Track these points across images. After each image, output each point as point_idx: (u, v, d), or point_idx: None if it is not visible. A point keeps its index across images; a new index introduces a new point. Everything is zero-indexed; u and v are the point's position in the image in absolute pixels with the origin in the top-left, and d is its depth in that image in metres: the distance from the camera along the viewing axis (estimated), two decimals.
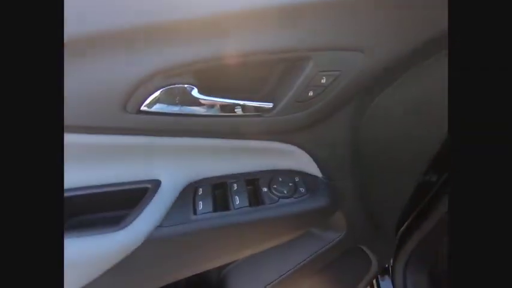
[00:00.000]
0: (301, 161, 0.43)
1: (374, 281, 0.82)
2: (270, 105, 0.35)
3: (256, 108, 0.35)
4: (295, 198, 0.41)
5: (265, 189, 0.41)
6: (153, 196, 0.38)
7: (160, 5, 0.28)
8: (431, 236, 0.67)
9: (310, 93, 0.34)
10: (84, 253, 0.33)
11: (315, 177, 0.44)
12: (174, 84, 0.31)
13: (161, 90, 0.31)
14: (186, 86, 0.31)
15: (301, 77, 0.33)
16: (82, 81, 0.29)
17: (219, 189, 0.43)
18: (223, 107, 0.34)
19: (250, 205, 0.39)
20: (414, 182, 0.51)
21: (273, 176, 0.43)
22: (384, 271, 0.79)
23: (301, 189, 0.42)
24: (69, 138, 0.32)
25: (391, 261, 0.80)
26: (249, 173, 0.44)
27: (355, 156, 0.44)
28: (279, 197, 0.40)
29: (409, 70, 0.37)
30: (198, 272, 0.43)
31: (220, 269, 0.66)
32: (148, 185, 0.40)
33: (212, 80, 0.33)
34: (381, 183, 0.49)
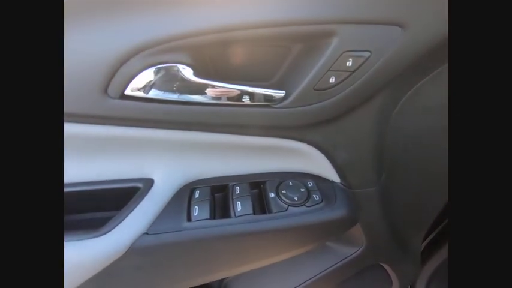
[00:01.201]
0: (316, 162, 0.36)
1: None
2: (281, 93, 0.29)
3: (265, 97, 0.29)
4: (307, 206, 0.34)
5: (272, 195, 0.35)
6: (143, 198, 0.33)
7: None
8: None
9: (332, 80, 0.27)
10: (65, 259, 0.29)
11: (332, 182, 0.37)
12: (164, 62, 0.25)
13: (148, 70, 0.25)
14: (178, 65, 0.26)
15: (322, 59, 0.26)
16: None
17: (219, 193, 0.37)
18: (225, 94, 0.28)
19: (255, 213, 0.33)
20: (446, 193, 0.43)
21: (282, 179, 0.37)
22: None
23: (314, 196, 0.35)
24: None
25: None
26: (254, 175, 0.38)
27: (381, 160, 0.37)
28: (289, 205, 0.34)
29: None
30: (192, 285, 0.38)
31: (221, 280, 0.60)
32: (140, 185, 0.35)
33: (211, 59, 0.27)
34: (408, 193, 0.42)
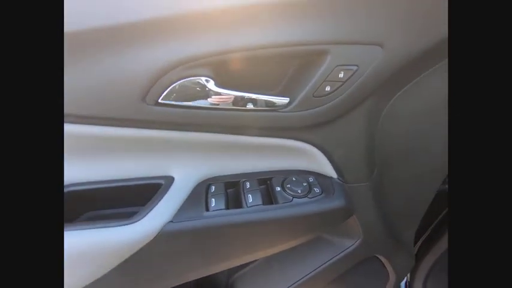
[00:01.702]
0: (316, 160, 0.41)
1: None
2: (286, 100, 0.35)
3: (273, 103, 0.35)
4: (309, 198, 0.39)
5: (278, 189, 0.40)
6: (166, 192, 0.38)
7: None
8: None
9: (328, 88, 0.34)
10: (97, 245, 0.33)
11: (331, 178, 0.43)
12: (192, 76, 0.31)
13: (179, 82, 0.31)
14: (203, 78, 0.32)
15: (319, 71, 0.33)
16: (104, 72, 0.30)
17: (231, 188, 0.42)
18: (240, 101, 0.34)
19: (264, 203, 0.38)
20: (434, 188, 0.48)
21: (286, 175, 0.42)
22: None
23: (315, 189, 0.40)
24: (86, 129, 0.33)
25: (409, 275, 0.75)
26: (262, 172, 0.43)
27: (372, 158, 0.42)
28: (293, 197, 0.39)
29: (429, 68, 0.36)
30: (209, 273, 0.42)
31: (229, 276, 0.64)
32: (162, 181, 0.40)
33: (229, 73, 0.33)
34: (398, 187, 0.47)
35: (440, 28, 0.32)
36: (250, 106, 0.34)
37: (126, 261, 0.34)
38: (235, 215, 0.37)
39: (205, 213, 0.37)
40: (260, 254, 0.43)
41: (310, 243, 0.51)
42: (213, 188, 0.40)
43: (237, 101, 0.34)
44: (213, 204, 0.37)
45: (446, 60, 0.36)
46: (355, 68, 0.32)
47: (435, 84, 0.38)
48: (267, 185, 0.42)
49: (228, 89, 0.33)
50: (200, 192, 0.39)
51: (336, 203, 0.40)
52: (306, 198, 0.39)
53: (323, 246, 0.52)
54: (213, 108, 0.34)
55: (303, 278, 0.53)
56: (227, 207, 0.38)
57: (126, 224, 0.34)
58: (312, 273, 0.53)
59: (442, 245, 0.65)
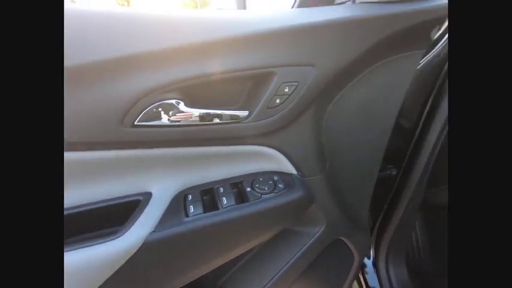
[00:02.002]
0: (278, 161, 0.49)
1: (361, 278, 0.86)
2: (245, 112, 0.42)
3: (235, 116, 0.42)
4: (275, 193, 0.46)
5: (248, 189, 0.46)
6: (146, 207, 0.41)
7: (153, 36, 0.35)
8: (402, 225, 0.75)
9: (278, 101, 0.42)
10: (86, 263, 0.35)
11: (291, 174, 0.50)
12: (164, 100, 0.37)
13: (152, 105, 0.37)
14: (173, 100, 0.38)
15: (270, 87, 0.41)
16: (86, 102, 0.34)
17: (207, 195, 0.47)
18: (207, 117, 0.40)
19: (237, 203, 0.44)
20: (374, 174, 0.59)
21: (254, 177, 0.49)
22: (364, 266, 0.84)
23: (280, 185, 0.47)
24: (68, 155, 0.36)
25: (373, 254, 0.85)
26: (233, 178, 0.49)
27: (323, 153, 0.51)
28: (261, 194, 0.46)
29: (356, 76, 0.47)
30: (197, 275, 0.45)
31: (215, 282, 0.66)
32: (140, 198, 0.43)
33: (197, 94, 0.39)
34: (346, 175, 0.56)
35: (353, 50, 0.42)
36: (216, 120, 0.41)
37: (117, 272, 0.37)
38: (213, 217, 0.42)
39: (186, 219, 0.41)
40: (240, 250, 0.48)
41: (281, 237, 0.57)
42: (190, 197, 0.44)
43: (204, 117, 0.40)
44: (192, 210, 0.42)
45: (367, 69, 0.47)
46: (296, 83, 0.41)
47: (363, 89, 0.48)
48: (238, 187, 0.48)
49: (197, 108, 0.39)
50: (178, 202, 0.44)
51: (296, 194, 0.47)
52: (272, 193, 0.46)
53: (292, 238, 0.59)
54: (183, 125, 0.39)
55: (279, 272, 0.59)
56: (205, 211, 0.42)
57: (111, 240, 0.37)
58: (288, 265, 0.59)
59: (394, 224, 0.76)
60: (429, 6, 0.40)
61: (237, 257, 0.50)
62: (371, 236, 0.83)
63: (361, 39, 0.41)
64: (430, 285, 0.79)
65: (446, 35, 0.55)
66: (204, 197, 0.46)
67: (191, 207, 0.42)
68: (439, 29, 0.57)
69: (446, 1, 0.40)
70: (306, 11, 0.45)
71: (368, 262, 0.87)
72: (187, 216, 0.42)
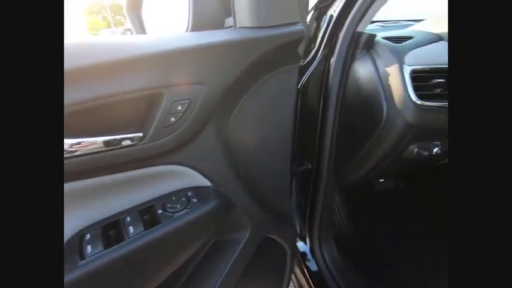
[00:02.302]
0: (189, 177, 0.49)
1: (303, 266, 0.93)
2: (140, 134, 0.41)
3: (130, 139, 0.40)
4: (188, 209, 0.46)
5: (160, 211, 0.45)
6: None
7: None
8: (325, 208, 0.84)
9: (172, 119, 0.42)
10: None
11: (206, 187, 0.51)
12: None
13: None
14: None
15: (161, 108, 0.41)
16: None
17: (112, 229, 0.44)
18: (100, 144, 0.38)
19: (147, 229, 0.42)
20: (286, 169, 0.64)
21: (167, 198, 0.48)
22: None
23: (193, 200, 0.48)
24: None
25: (309, 241, 0.93)
26: (144, 203, 0.47)
27: (234, 160, 0.54)
28: (174, 213, 0.45)
29: (247, 89, 0.51)
30: None
31: None
32: None
33: (86, 120, 0.37)
34: (262, 176, 0.61)
35: (236, 67, 0.46)
36: (111, 146, 0.39)
37: None
38: (117, 250, 0.39)
39: (81, 263, 0.37)
40: (166, 272, 0.46)
41: (214, 249, 0.58)
42: (87, 236, 0.41)
43: (98, 144, 0.37)
44: (89, 250, 0.38)
45: (258, 82, 0.51)
46: (188, 101, 0.43)
47: (257, 99, 0.53)
48: (150, 212, 0.46)
49: (87, 136, 0.36)
50: (72, 245, 0.39)
51: (210, 205, 0.48)
52: (185, 210, 0.46)
53: (224, 247, 0.60)
54: (76, 156, 0.36)
55: (218, 282, 0.59)
56: (106, 247, 0.39)
57: None
58: (224, 274, 0.59)
59: (319, 209, 0.85)
60: (292, 30, 0.48)
61: (176, 277, 0.48)
62: (305, 225, 0.91)
63: (242, 58, 0.46)
64: (358, 258, 0.92)
65: (321, 49, 0.65)
66: (109, 232, 0.43)
67: (89, 247, 0.39)
68: (310, 46, 0.68)
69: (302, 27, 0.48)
70: (197, 34, 0.47)
71: (307, 249, 0.95)
72: (83, 258, 0.38)
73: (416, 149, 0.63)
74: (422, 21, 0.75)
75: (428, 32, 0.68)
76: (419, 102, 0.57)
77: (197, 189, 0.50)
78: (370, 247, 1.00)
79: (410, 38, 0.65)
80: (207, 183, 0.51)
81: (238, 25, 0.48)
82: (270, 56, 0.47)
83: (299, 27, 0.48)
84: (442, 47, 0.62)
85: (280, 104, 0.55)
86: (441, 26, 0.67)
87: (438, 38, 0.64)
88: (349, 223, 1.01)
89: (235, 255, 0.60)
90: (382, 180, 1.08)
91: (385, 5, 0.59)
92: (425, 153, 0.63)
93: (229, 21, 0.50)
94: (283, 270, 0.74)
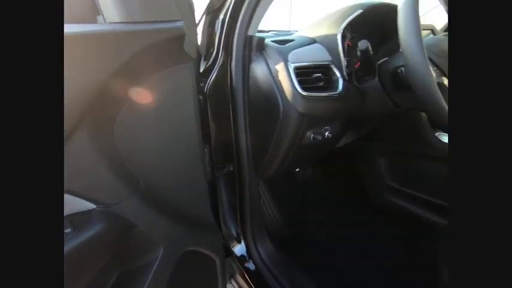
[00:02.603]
0: (68, 203, 0.42)
1: (243, 270, 0.92)
2: None
3: None
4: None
5: None
6: None
7: None
8: (252, 205, 0.85)
9: None
10: None
11: (90, 210, 0.44)
12: None
13: None
14: None
15: None
16: None
17: None
18: None
19: None
20: (199, 175, 0.61)
21: None
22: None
23: (66, 230, 0.41)
24: None
25: (244, 241, 0.93)
26: None
27: (127, 174, 0.48)
28: None
29: (129, 92, 0.45)
30: None
31: None
32: None
33: None
34: (170, 187, 0.56)
35: (107, 65, 0.40)
36: None
37: None
38: None
39: None
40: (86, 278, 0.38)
41: (119, 283, 0.51)
42: None
43: None
44: None
45: (145, 84, 0.46)
46: None
47: (147, 104, 0.48)
48: None
49: None
50: None
51: (92, 232, 0.42)
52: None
53: (132, 277, 0.52)
54: None
55: None
56: None
57: None
58: None
59: (247, 207, 0.85)
60: (170, 27, 0.45)
61: None
62: (238, 227, 0.90)
63: (114, 54, 0.40)
64: (293, 249, 0.95)
65: (220, 53, 0.65)
66: None
67: None
68: (210, 50, 0.67)
69: (180, 23, 0.47)
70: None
71: (245, 251, 0.94)
72: None
73: (312, 135, 0.70)
74: (300, 29, 0.85)
75: (305, 37, 0.76)
76: (305, 93, 0.62)
77: (78, 216, 0.43)
78: (303, 236, 1.06)
79: (291, 40, 0.72)
80: (91, 206, 0.44)
81: (108, 21, 0.43)
82: (149, 54, 0.43)
83: (178, 24, 0.45)
84: (316, 48, 0.71)
85: (177, 108, 0.52)
86: (313, 32, 0.76)
87: (313, 41, 0.73)
88: (279, 216, 1.05)
89: (148, 282, 0.53)
90: (298, 169, 1.17)
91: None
92: (319, 137, 0.70)
93: (101, 19, 0.45)
94: (215, 282, 0.71)
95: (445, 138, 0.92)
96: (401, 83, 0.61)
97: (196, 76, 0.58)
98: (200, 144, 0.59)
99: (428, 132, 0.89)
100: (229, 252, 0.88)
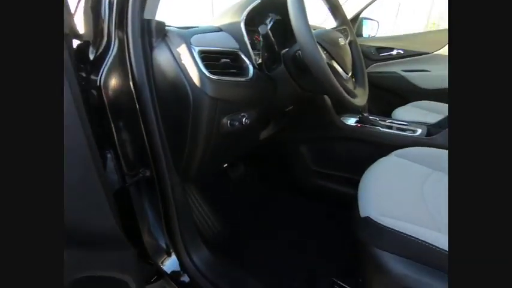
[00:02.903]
0: None
1: (177, 285, 0.81)
2: None
3: None
4: None
5: None
6: None
7: None
8: (179, 210, 0.76)
9: None
10: None
11: None
12: None
13: None
14: None
15: None
16: None
17: None
18: None
19: None
20: (93, 185, 0.50)
21: None
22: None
23: None
24: None
25: (175, 254, 0.82)
26: None
27: None
28: None
29: None
30: None
31: None
32: None
33: None
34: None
35: None
36: None
37: None
38: None
39: None
40: None
41: None
42: None
43: None
44: None
45: None
46: None
47: None
48: None
49: None
50: None
51: None
52: None
53: None
54: None
55: None
56: None
57: None
58: None
59: (174, 215, 0.76)
60: None
61: None
62: (164, 238, 0.79)
63: None
64: (231, 252, 0.91)
65: (112, 41, 0.57)
66: None
67: None
68: (97, 40, 0.57)
69: None
70: None
71: (177, 264, 0.83)
72: None
73: (228, 121, 0.67)
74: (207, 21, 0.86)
75: (210, 25, 0.76)
76: (214, 77, 0.60)
77: None
78: (236, 237, 1.02)
79: (194, 27, 0.71)
80: None
81: None
82: None
83: None
84: (222, 35, 0.71)
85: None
86: (218, 22, 0.76)
87: (218, 29, 0.74)
88: (214, 218, 0.99)
89: None
90: (226, 165, 1.14)
91: None
92: (237, 123, 0.67)
93: None
94: None
95: (348, 120, 1.06)
96: (301, 66, 0.66)
97: (73, 62, 0.48)
98: (94, 151, 0.48)
99: (335, 116, 1.01)
100: (161, 273, 0.77)
